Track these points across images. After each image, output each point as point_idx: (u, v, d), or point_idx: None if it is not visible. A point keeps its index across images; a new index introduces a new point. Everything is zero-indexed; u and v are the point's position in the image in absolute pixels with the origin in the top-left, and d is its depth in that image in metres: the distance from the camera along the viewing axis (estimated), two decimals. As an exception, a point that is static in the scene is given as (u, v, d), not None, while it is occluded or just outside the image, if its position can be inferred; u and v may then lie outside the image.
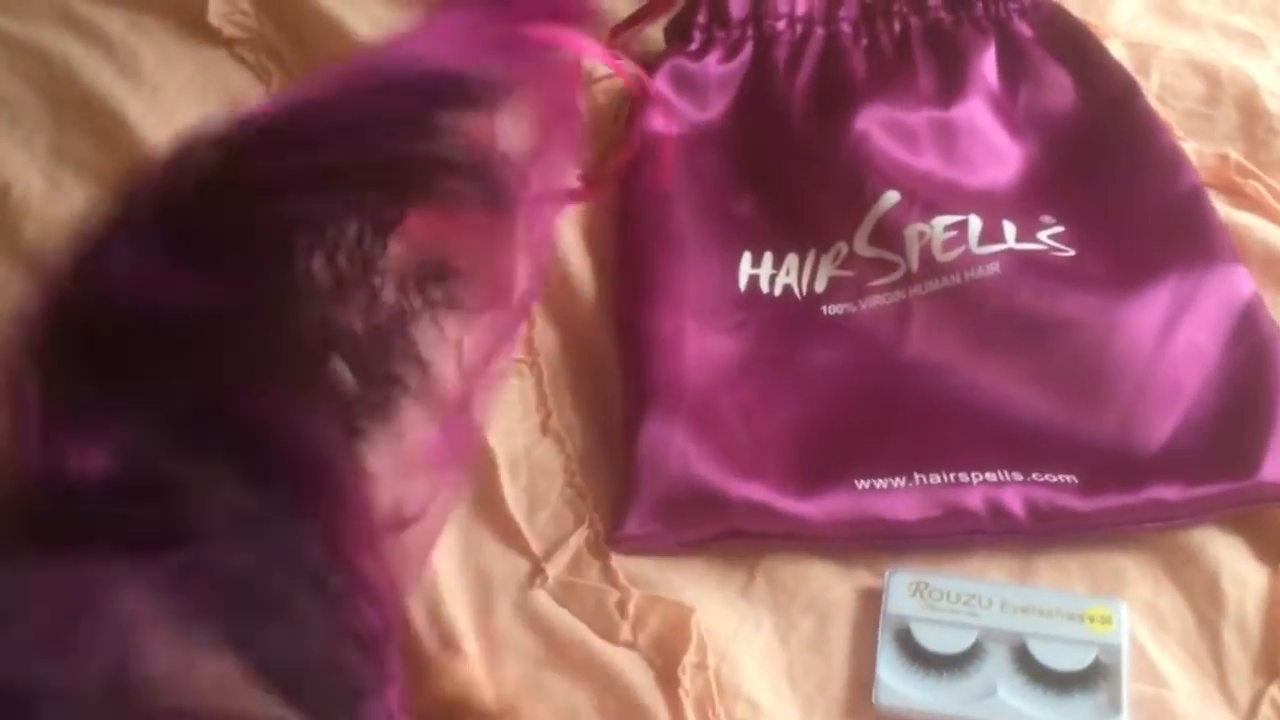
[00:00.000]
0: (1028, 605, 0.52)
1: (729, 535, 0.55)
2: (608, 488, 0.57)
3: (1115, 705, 0.49)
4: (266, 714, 0.36)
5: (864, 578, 0.54)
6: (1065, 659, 0.50)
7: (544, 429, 0.60)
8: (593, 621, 0.54)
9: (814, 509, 0.54)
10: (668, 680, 0.52)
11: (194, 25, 0.73)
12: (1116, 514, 0.53)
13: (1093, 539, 0.54)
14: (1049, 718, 0.49)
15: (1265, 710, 0.49)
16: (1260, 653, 0.51)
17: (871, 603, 0.53)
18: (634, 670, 0.53)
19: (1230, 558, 0.53)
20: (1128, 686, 0.49)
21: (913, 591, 0.52)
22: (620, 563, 0.55)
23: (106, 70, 0.71)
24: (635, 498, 0.56)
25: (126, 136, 0.68)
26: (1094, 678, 0.50)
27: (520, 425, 0.60)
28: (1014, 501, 0.53)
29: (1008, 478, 0.54)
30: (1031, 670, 0.50)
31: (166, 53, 0.72)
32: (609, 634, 0.53)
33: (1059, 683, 0.50)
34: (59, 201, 0.67)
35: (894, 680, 0.51)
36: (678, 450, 0.56)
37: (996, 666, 0.50)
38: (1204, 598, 0.52)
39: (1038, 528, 0.54)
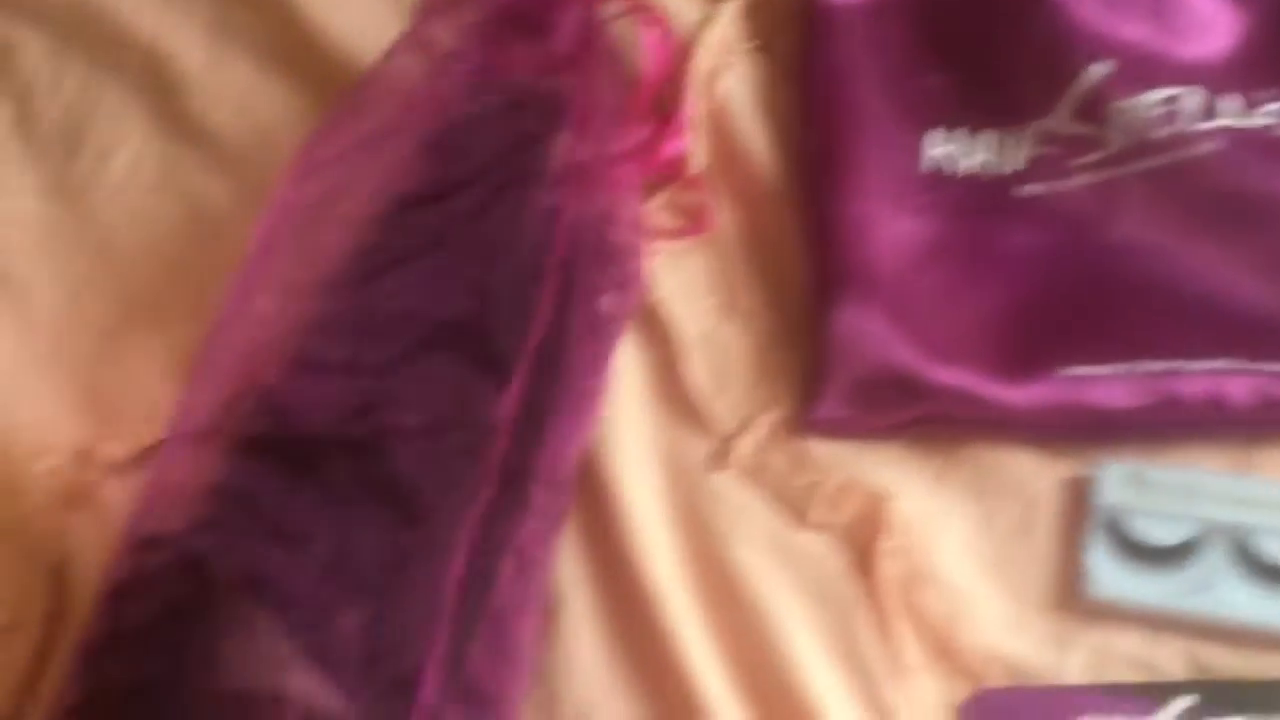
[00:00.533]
0: (1250, 498, 0.49)
1: (925, 421, 0.54)
2: (796, 369, 0.56)
3: None
4: None
5: (1069, 467, 0.53)
6: None
7: (727, 309, 0.58)
8: (785, 504, 0.53)
9: (1020, 395, 0.52)
10: (865, 566, 0.51)
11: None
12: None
13: (1316, 431, 0.52)
14: (1272, 614, 0.47)
15: None
16: None
17: (1078, 493, 0.52)
18: (828, 555, 0.52)
19: None
20: None
21: (1126, 481, 0.50)
22: (812, 446, 0.54)
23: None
24: (829, 381, 0.54)
25: (287, 6, 0.67)
26: None
27: (702, 305, 0.58)
28: (1238, 390, 0.51)
29: (1232, 366, 0.51)
30: (1253, 565, 0.48)
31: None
32: (801, 517, 0.52)
33: None
34: (220, 74, 0.66)
35: (1104, 572, 0.49)
36: (874, 334, 0.54)
37: (1215, 561, 0.49)
38: None
39: (1261, 418, 0.51)
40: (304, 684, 0.39)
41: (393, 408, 0.45)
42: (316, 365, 0.46)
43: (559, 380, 0.50)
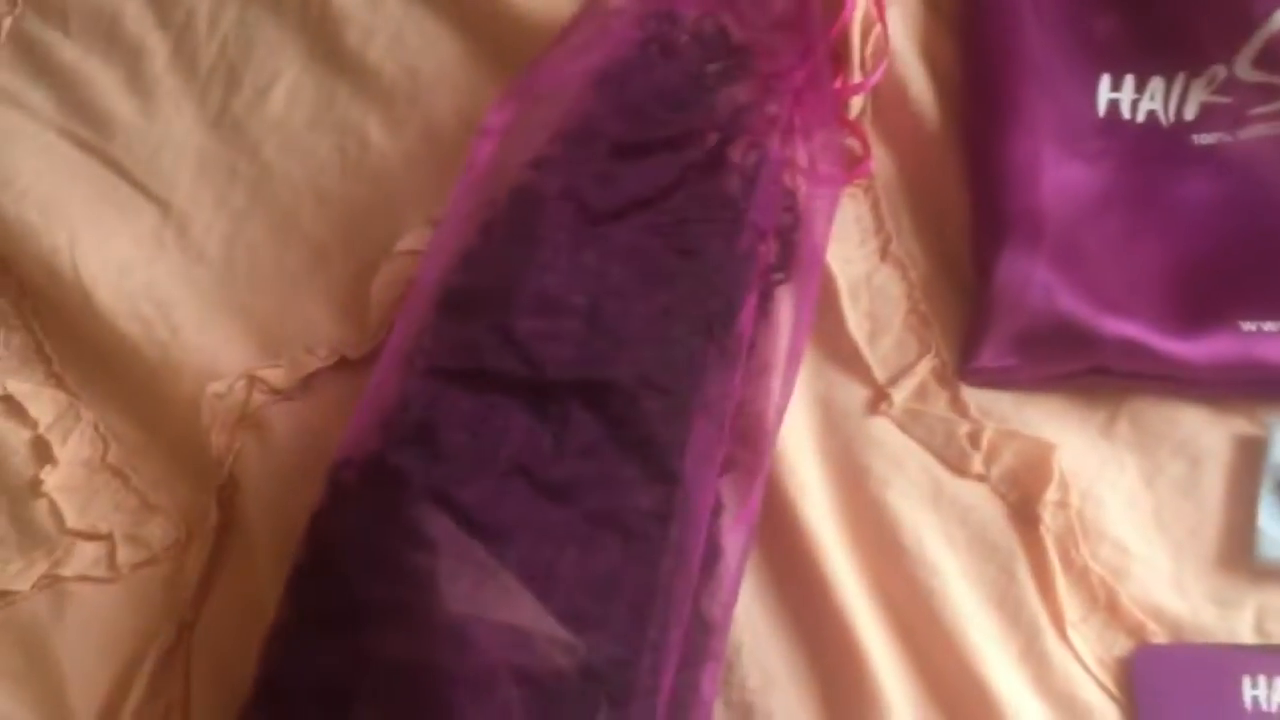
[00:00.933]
0: None
1: (1090, 373, 0.53)
2: (955, 316, 0.55)
3: None
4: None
5: (1240, 425, 0.51)
6: None
7: (884, 254, 0.57)
8: (941, 452, 0.52)
9: (1195, 350, 0.51)
10: (1026, 517, 0.50)
11: None
12: None
13: None
14: None
15: None
16: None
17: (1250, 451, 0.50)
18: (986, 504, 0.51)
19: None
20: None
21: None
22: (971, 394, 0.54)
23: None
24: (991, 329, 0.53)
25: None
26: None
27: (859, 251, 0.58)
28: None
29: None
30: None
31: None
32: (959, 465, 0.52)
33: None
34: (379, 8, 0.67)
35: (1277, 532, 0.48)
36: (1040, 282, 0.53)
37: None
38: None
39: None
40: (527, 614, 0.39)
41: (638, 364, 0.45)
42: (556, 306, 0.46)
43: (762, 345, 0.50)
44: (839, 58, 0.61)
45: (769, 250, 0.52)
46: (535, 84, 0.54)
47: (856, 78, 0.61)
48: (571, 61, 0.54)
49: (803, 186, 0.55)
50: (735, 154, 0.52)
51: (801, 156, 0.56)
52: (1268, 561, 0.48)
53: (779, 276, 0.53)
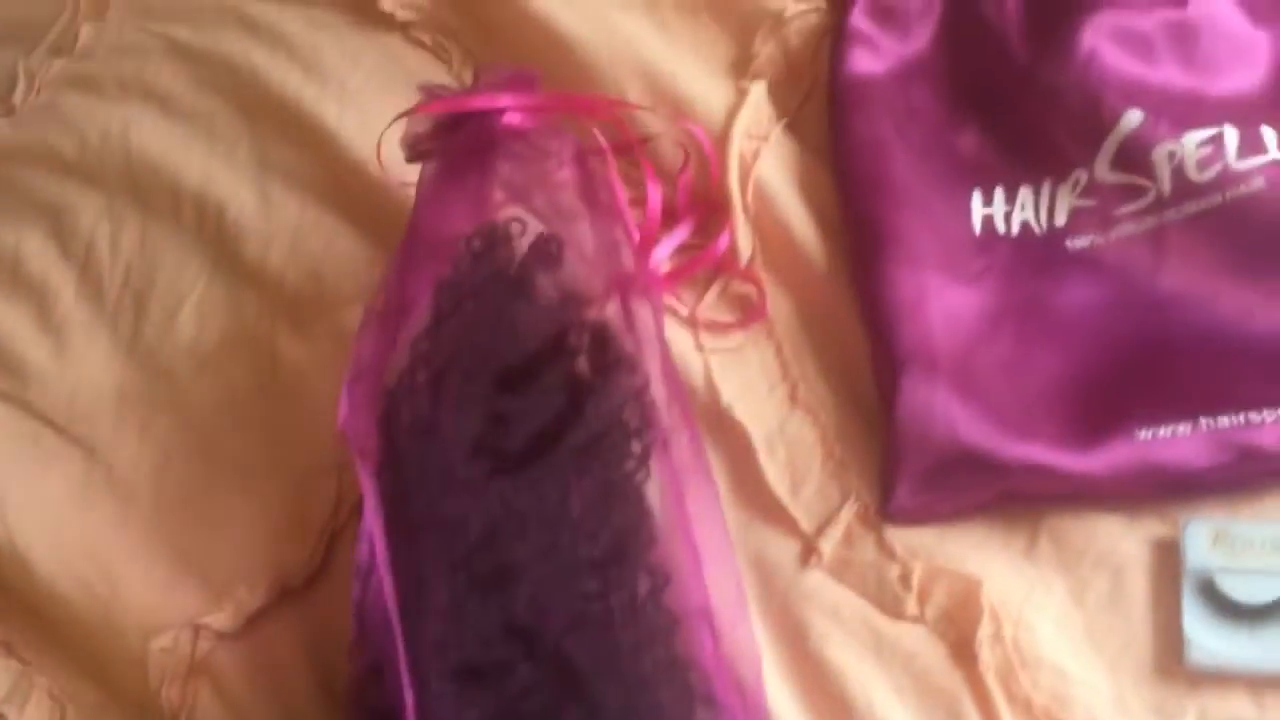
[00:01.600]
0: None
1: (1005, 496, 0.54)
2: (870, 457, 0.57)
3: None
4: None
5: (1154, 528, 0.53)
6: None
7: (793, 400, 0.59)
8: (875, 598, 0.54)
9: (1096, 464, 0.53)
10: (964, 656, 0.52)
11: (367, 13, 0.71)
12: None
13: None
14: None
15: None
16: None
17: (1166, 555, 0.52)
18: (926, 647, 0.52)
19: None
20: None
21: (1213, 541, 0.51)
22: (896, 534, 0.55)
23: (293, 72, 0.69)
24: (902, 467, 0.55)
25: (328, 139, 0.68)
26: None
27: (768, 400, 0.59)
28: (1315, 432, 0.51)
29: None
30: None
31: (346, 46, 0.70)
32: (894, 609, 0.53)
33: None
34: (273, 216, 0.68)
35: (1203, 637, 0.49)
36: (941, 414, 0.55)
37: None
38: None
39: (1341, 460, 0.51)
40: None
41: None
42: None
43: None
44: (720, 209, 0.63)
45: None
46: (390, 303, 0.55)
47: (741, 225, 0.62)
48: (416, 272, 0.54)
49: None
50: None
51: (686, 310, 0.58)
52: (1199, 668, 0.49)
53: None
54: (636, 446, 0.50)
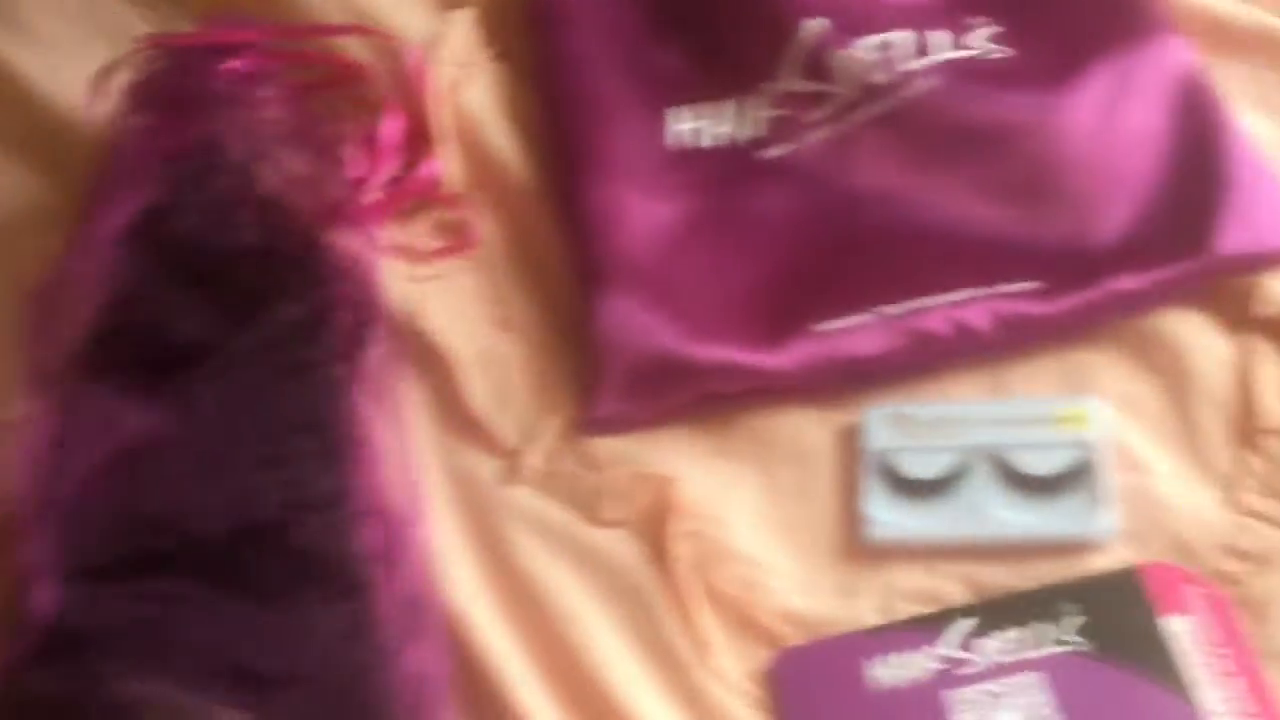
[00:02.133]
0: (1003, 418, 0.52)
1: (703, 399, 0.55)
2: (575, 373, 0.57)
3: (1099, 499, 0.49)
4: None
5: (840, 418, 0.54)
6: (1045, 463, 0.50)
7: (503, 323, 0.59)
8: (579, 507, 0.54)
9: (782, 359, 0.54)
10: (661, 554, 0.52)
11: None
12: (1081, 312, 0.53)
13: (1060, 340, 0.54)
14: (1039, 522, 0.50)
15: (1245, 478, 0.50)
16: (1234, 422, 0.51)
17: (851, 442, 0.53)
18: (627, 550, 0.53)
19: (1196, 334, 0.52)
20: (1109, 479, 0.50)
21: (890, 423, 0.52)
22: (598, 445, 0.55)
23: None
24: (603, 378, 0.55)
25: (23, 89, 0.65)
26: (1076, 476, 0.50)
27: (478, 325, 0.59)
28: (979, 317, 0.53)
29: (970, 295, 0.53)
30: (1015, 480, 0.50)
31: (44, -7, 0.68)
32: (597, 516, 0.54)
33: (1043, 487, 0.50)
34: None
35: (882, 513, 0.51)
36: (638, 323, 0.55)
37: (981, 483, 0.51)
38: (1175, 378, 0.52)
39: (1004, 340, 0.53)
40: None
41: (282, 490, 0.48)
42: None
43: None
44: (425, 135, 0.62)
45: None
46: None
47: (448, 152, 0.62)
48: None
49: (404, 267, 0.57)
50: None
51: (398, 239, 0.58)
52: (879, 542, 0.51)
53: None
54: (313, 356, 0.50)
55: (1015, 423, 0.51)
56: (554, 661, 0.51)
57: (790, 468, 0.54)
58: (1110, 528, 0.49)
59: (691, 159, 0.60)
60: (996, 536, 0.50)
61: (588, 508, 0.54)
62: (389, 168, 0.62)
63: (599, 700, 0.49)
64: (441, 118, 0.62)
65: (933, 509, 0.51)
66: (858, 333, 0.54)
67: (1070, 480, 0.50)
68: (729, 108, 0.61)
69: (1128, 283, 0.52)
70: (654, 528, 0.53)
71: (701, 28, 0.62)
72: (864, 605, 0.50)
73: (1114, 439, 0.51)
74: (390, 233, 0.61)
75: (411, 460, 0.52)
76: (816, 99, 0.59)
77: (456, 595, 0.52)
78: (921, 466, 0.52)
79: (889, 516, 0.51)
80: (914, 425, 0.52)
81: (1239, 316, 0.53)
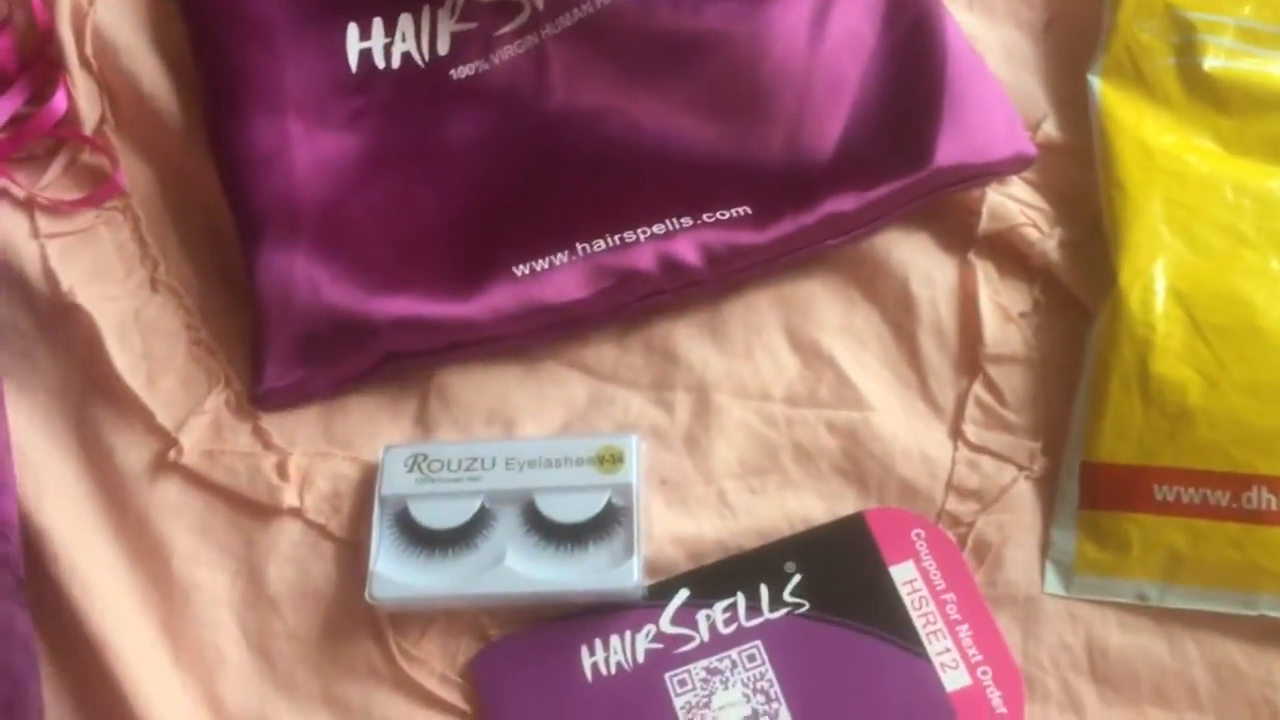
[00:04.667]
0: (534, 458, 0.45)
1: (390, 361, 0.49)
2: (241, 339, 0.49)
3: (628, 548, 0.43)
4: None
5: (550, 368, 0.49)
6: (575, 509, 0.44)
7: (153, 283, 0.50)
8: (249, 492, 0.47)
9: (475, 308, 0.47)
10: (350, 542, 0.46)
11: None
12: (796, 238, 0.48)
13: (779, 271, 0.49)
14: (559, 576, 0.43)
15: (971, 410, 0.47)
16: (958, 352, 0.48)
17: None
18: (306, 540, 0.46)
19: (917, 258, 0.49)
20: (640, 527, 0.44)
21: (409, 466, 0.45)
22: (272, 421, 0.48)
23: None
24: (269, 343, 0.48)
25: None
26: (607, 523, 0.44)
27: (124, 285, 0.50)
28: (687, 251, 0.48)
29: (677, 225, 0.48)
30: (541, 528, 0.44)
31: None
32: (270, 503, 0.47)
33: (571, 536, 0.44)
34: None
35: (390, 568, 0.44)
36: (303, 278, 0.48)
37: (505, 531, 0.44)
38: (896, 307, 0.49)
39: (717, 274, 0.48)
40: None
41: None
42: None
43: None
44: (52, 61, 0.53)
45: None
46: None
47: (82, 83, 0.53)
48: None
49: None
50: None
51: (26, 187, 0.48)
52: (381, 602, 0.43)
53: None
54: None
55: (548, 464, 0.45)
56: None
57: (495, 430, 0.48)
58: (639, 581, 0.43)
59: (375, 81, 0.52)
60: (514, 593, 0.43)
61: (263, 493, 0.47)
62: (12, 104, 0.53)
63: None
64: (69, 41, 0.53)
65: (449, 562, 0.44)
66: (557, 274, 0.48)
67: (601, 527, 0.44)
68: (414, 21, 0.53)
69: (844, 203, 0.48)
70: (342, 514, 0.46)
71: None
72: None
73: (840, 372, 0.47)
74: (12, 184, 0.51)
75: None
76: (505, 9, 0.52)
77: (101, 620, 0.44)
78: (440, 515, 0.44)
79: (396, 574, 0.44)
80: (434, 467, 0.45)
81: (962, 238, 0.49)
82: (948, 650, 0.42)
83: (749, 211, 0.48)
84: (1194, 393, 0.42)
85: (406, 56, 0.53)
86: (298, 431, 0.48)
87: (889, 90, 0.49)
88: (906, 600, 0.43)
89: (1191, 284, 0.44)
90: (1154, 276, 0.44)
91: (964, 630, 0.43)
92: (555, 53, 0.52)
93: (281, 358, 0.48)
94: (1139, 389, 0.43)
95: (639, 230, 0.48)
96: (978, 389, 0.47)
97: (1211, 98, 0.48)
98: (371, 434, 0.48)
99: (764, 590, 0.44)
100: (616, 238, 0.48)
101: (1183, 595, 0.42)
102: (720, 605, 0.44)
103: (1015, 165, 0.49)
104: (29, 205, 0.51)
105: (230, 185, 0.50)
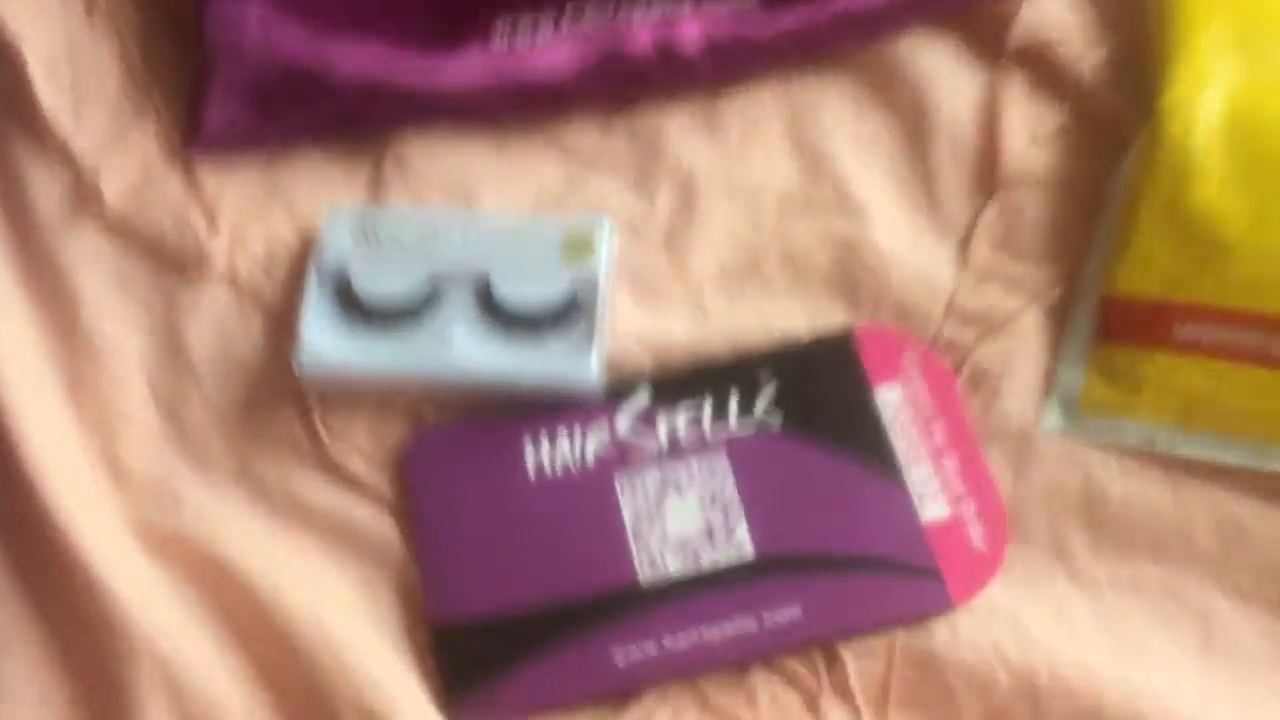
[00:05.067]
0: (496, 235, 0.40)
1: (347, 125, 0.43)
2: (182, 77, 0.44)
3: (588, 341, 0.39)
4: None
5: (518, 145, 0.44)
6: (534, 295, 0.39)
7: (89, 12, 0.45)
8: (175, 245, 0.42)
9: (448, 77, 0.42)
10: (283, 313, 0.41)
11: None
12: (804, 35, 0.43)
13: (784, 70, 0.44)
14: (510, 365, 0.39)
15: (982, 231, 0.42)
16: (975, 170, 0.43)
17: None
18: (232, 305, 0.42)
19: (939, 67, 0.44)
20: (604, 319, 0.40)
21: (354, 231, 0.41)
22: (209, 170, 0.43)
23: None
24: (214, 81, 0.43)
25: None
26: (567, 313, 0.39)
27: (59, 13, 0.45)
28: (688, 37, 0.43)
29: (677, 9, 0.43)
30: (494, 312, 0.40)
31: None
32: (197, 259, 0.42)
33: (527, 323, 0.40)
34: None
35: (324, 339, 0.39)
36: (255, 20, 0.42)
37: (454, 311, 0.40)
38: (912, 116, 0.44)
39: (716, 67, 0.43)
40: None
41: None
42: None
43: None
44: None
45: None
46: None
47: None
48: None
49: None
50: None
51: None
52: (310, 371, 0.39)
53: None
54: None
55: (510, 242, 0.40)
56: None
57: (456, 203, 0.43)
58: (596, 378, 0.39)
59: None
60: (457, 379, 0.39)
61: (189, 246, 0.42)
62: None
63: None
64: None
65: (390, 339, 0.39)
66: (543, 48, 0.43)
67: (561, 319, 0.40)
68: None
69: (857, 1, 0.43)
70: (275, 281, 0.42)
71: None
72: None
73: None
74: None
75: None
76: None
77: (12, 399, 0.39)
78: (383, 285, 0.39)
79: (329, 344, 0.39)
80: (383, 236, 0.40)
81: (990, 49, 0.44)
82: (929, 480, 0.38)
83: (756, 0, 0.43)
84: (1237, 225, 0.38)
85: None
86: (236, 186, 0.43)
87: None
88: (889, 424, 0.39)
89: (1251, 106, 0.39)
90: (1206, 97, 0.39)
91: (949, 460, 0.39)
92: None
93: (225, 100, 0.43)
94: (1170, 219, 0.39)
95: (635, 9, 0.43)
96: (992, 210, 0.42)
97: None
98: (317, 196, 0.43)
99: (734, 401, 0.39)
100: (610, 11, 0.43)
101: (1195, 443, 0.38)
102: (683, 410, 0.39)
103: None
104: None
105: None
